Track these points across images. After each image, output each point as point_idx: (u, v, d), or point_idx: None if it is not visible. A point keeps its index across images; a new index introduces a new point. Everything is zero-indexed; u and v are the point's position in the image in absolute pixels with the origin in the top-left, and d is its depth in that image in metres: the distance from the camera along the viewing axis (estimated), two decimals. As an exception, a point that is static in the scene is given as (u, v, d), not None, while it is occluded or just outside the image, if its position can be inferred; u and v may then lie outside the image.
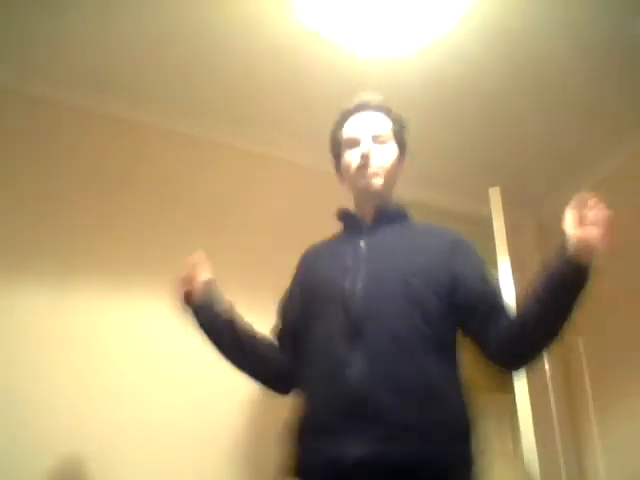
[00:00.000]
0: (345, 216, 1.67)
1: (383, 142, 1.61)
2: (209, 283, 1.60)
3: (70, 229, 2.20)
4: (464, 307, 1.47)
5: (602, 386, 2.62)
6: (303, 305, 1.59)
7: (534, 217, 3.09)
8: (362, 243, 1.55)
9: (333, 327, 1.44)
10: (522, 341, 1.41)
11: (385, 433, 1.30)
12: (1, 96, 2.23)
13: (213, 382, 2.14)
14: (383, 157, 1.60)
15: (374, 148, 1.59)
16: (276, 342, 1.65)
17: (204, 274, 1.60)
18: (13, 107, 2.25)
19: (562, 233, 1.32)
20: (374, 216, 1.61)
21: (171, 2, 2.02)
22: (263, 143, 2.65)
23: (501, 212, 2.38)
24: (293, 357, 1.57)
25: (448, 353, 1.46)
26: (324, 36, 2.15)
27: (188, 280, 1.58)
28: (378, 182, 1.59)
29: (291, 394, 1.58)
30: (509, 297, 2.20)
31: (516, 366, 1.55)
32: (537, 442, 2.08)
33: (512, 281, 2.27)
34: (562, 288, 1.33)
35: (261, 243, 2.49)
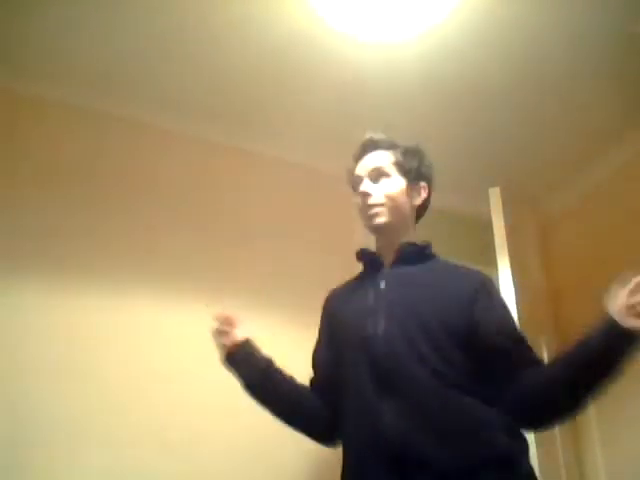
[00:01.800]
0: (365, 256, 1.65)
1: (383, 176, 1.61)
2: (247, 340, 1.61)
3: (71, 229, 2.20)
4: (482, 358, 1.44)
5: (602, 386, 2.62)
6: (333, 353, 1.59)
7: (534, 217, 3.08)
8: (382, 284, 1.54)
9: (361, 376, 1.44)
10: (545, 404, 1.39)
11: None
12: (6, 97, 2.25)
13: (213, 382, 2.14)
14: (382, 193, 1.59)
15: (372, 187, 1.59)
16: (314, 392, 1.63)
17: (239, 331, 1.61)
18: (14, 107, 2.25)
19: (605, 308, 1.29)
20: (394, 256, 1.59)
21: (172, 2, 2.02)
22: (273, 146, 2.65)
23: (501, 212, 2.38)
24: (331, 406, 1.55)
25: (481, 391, 1.42)
26: (324, 25, 2.13)
27: (225, 336, 1.60)
28: (381, 219, 1.58)
29: (334, 444, 1.58)
30: (509, 297, 2.21)
31: (533, 426, 1.52)
32: (537, 442, 2.08)
33: (512, 281, 2.27)
34: (603, 357, 1.29)
35: (266, 246, 2.49)
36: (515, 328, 1.52)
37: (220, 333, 1.60)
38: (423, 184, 1.65)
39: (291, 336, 2.30)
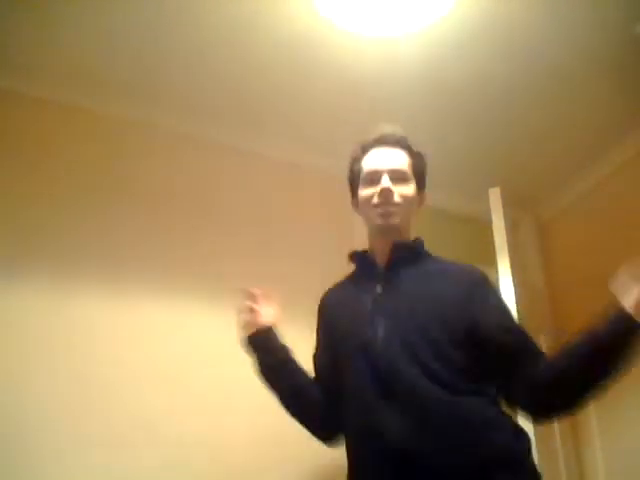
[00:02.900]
0: (358, 259, 1.64)
1: (402, 179, 1.56)
2: (270, 327, 1.63)
3: (71, 230, 2.20)
4: (484, 355, 1.43)
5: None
6: (332, 356, 1.59)
7: (534, 217, 3.09)
8: (379, 288, 1.53)
9: (361, 380, 1.44)
10: (560, 395, 1.38)
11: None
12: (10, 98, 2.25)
13: (212, 382, 2.14)
14: (402, 195, 1.55)
15: (393, 185, 1.55)
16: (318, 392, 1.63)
17: (268, 314, 1.64)
18: (15, 108, 2.26)
19: (613, 299, 1.29)
20: (389, 258, 1.57)
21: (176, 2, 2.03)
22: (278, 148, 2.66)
23: (501, 212, 2.38)
24: (332, 406, 1.55)
25: (481, 391, 1.42)
26: (325, 23, 2.13)
27: (251, 315, 1.61)
28: (395, 220, 1.55)
29: (334, 443, 1.59)
30: (509, 297, 2.21)
31: (546, 416, 1.52)
32: (537, 442, 2.08)
33: (512, 281, 2.27)
34: (618, 351, 1.29)
35: (266, 246, 2.49)
36: (514, 321, 1.51)
37: (247, 310, 1.61)
38: (423, 192, 1.64)
39: (291, 336, 2.30)
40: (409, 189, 1.57)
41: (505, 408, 1.45)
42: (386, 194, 1.53)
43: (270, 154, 2.66)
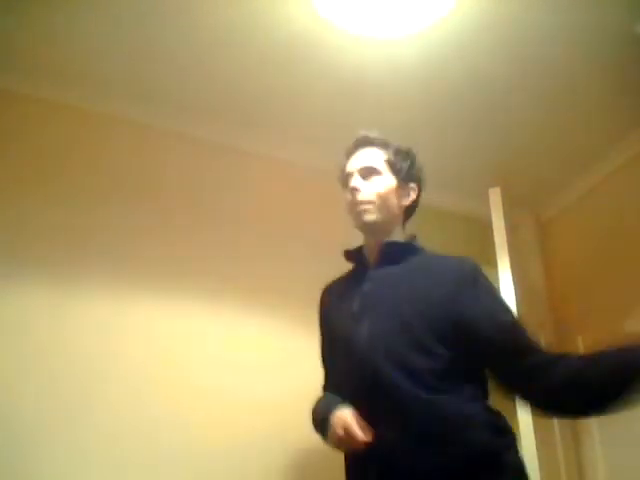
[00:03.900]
0: (351, 256, 1.66)
1: (373, 174, 1.60)
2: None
3: (69, 230, 2.20)
4: (474, 352, 1.44)
5: (602, 386, 2.62)
6: (329, 355, 1.64)
7: (534, 217, 3.09)
8: (366, 287, 1.55)
9: (349, 381, 1.47)
10: (570, 393, 1.36)
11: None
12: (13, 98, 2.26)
13: (212, 382, 2.15)
14: (372, 190, 1.58)
15: (362, 183, 1.59)
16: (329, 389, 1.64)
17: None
18: (10, 107, 2.26)
19: None
20: (377, 256, 1.59)
21: (174, 2, 2.03)
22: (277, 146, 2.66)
23: (501, 212, 2.38)
24: None
25: (465, 389, 1.42)
26: (324, 23, 2.13)
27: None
28: (370, 217, 1.57)
29: None
30: (509, 297, 2.21)
31: (550, 412, 1.54)
32: (537, 442, 2.09)
33: (512, 281, 2.27)
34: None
35: (266, 246, 2.50)
36: (505, 315, 1.49)
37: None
38: (413, 185, 1.65)
39: (291, 336, 2.30)
40: (381, 183, 1.60)
41: (490, 404, 1.45)
42: (354, 193, 1.58)
43: (270, 154, 2.66)
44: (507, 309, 1.52)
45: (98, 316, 2.12)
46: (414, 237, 1.65)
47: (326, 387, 1.67)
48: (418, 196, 1.67)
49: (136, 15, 2.06)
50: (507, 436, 1.43)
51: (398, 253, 1.59)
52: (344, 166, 1.66)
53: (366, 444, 1.33)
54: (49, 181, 2.24)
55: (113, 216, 2.28)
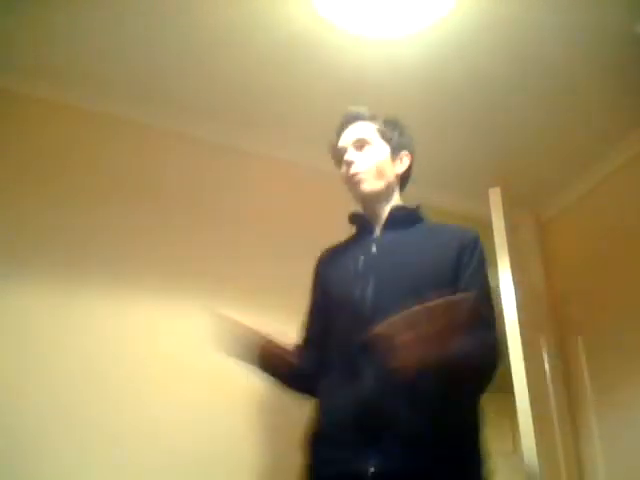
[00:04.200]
0: (357, 219, 1.70)
1: (365, 145, 1.65)
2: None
3: (69, 230, 2.20)
4: None
5: (601, 385, 2.62)
6: (323, 316, 1.63)
7: (534, 217, 3.09)
8: (374, 248, 1.58)
9: (348, 340, 1.47)
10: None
11: (401, 445, 1.33)
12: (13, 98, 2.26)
13: (210, 382, 2.14)
14: (366, 160, 1.63)
15: (356, 155, 1.64)
16: (302, 344, 1.68)
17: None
18: (9, 108, 2.26)
19: None
20: (385, 221, 1.63)
21: (173, 2, 2.03)
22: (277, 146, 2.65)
23: (501, 212, 2.38)
24: (316, 362, 1.58)
25: None
26: (324, 23, 2.13)
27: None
28: (365, 186, 1.62)
29: (305, 396, 1.61)
30: (509, 297, 2.21)
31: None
32: (537, 442, 2.08)
33: (512, 281, 2.27)
34: None
35: (265, 246, 2.49)
36: (482, 286, 1.52)
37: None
38: (405, 152, 1.70)
39: (291, 335, 2.30)
40: (375, 152, 1.65)
41: None
42: (349, 165, 1.63)
43: (270, 154, 2.66)
44: (486, 283, 1.56)
45: (98, 316, 2.12)
46: (419, 206, 1.69)
47: (301, 343, 1.69)
48: (411, 164, 1.72)
49: (136, 15, 2.07)
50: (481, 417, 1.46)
51: (405, 217, 1.64)
52: (336, 142, 1.71)
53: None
54: (49, 181, 2.24)
55: (113, 216, 2.28)
